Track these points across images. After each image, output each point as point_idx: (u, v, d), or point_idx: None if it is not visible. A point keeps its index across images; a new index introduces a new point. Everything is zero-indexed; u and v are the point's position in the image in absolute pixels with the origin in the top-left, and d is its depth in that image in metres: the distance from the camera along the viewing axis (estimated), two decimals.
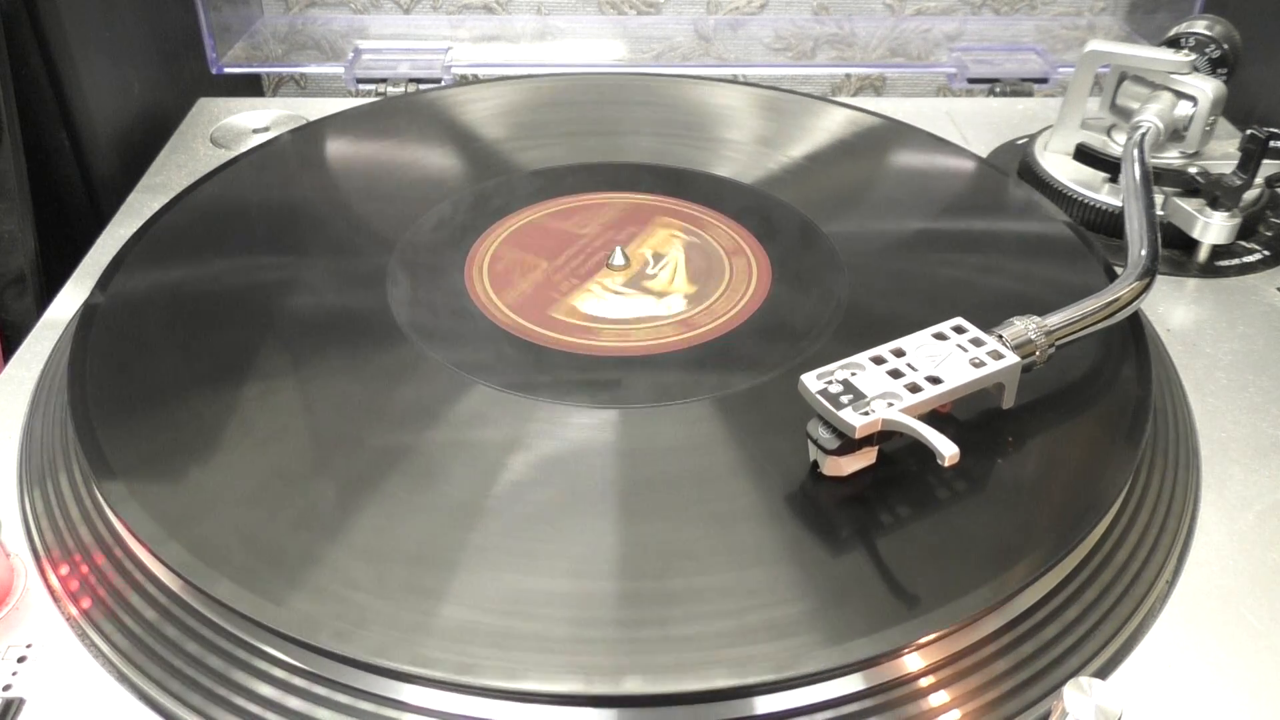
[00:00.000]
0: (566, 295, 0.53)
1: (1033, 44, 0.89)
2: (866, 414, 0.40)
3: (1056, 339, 0.45)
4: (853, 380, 0.41)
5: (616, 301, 0.53)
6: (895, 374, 0.42)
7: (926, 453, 0.39)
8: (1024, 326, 0.44)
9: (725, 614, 0.37)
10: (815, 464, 0.42)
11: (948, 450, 0.38)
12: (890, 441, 0.42)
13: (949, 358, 0.43)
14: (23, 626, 0.40)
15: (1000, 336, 0.44)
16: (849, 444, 0.40)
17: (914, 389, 0.41)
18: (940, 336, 0.44)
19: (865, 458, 0.41)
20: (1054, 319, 0.45)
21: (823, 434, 0.40)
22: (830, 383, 0.41)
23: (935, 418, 0.42)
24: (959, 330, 0.44)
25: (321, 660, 0.36)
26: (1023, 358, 0.43)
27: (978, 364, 0.43)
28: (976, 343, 0.44)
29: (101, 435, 0.43)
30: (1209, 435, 0.49)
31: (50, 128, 0.69)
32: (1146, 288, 0.49)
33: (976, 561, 0.39)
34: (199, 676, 0.37)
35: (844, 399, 0.40)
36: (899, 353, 0.43)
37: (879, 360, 0.42)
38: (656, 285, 0.54)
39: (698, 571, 0.38)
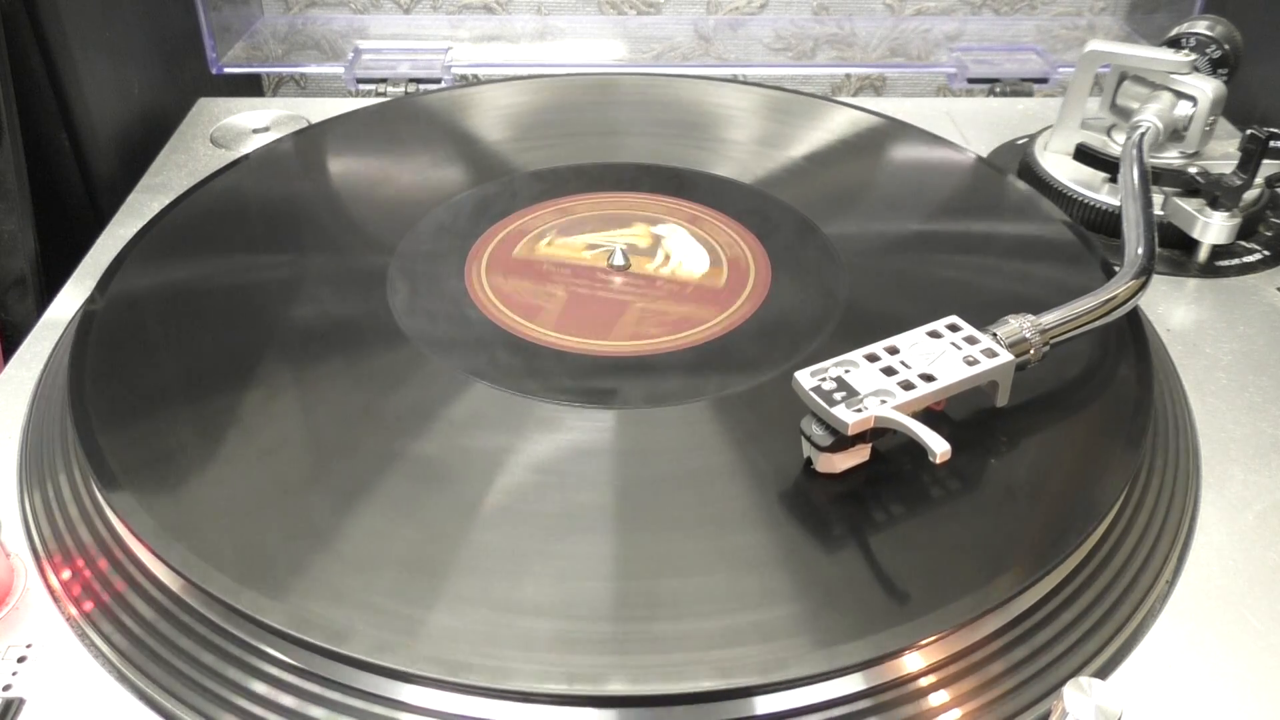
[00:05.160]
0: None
1: (1033, 44, 0.89)
2: (859, 411, 0.40)
3: (1051, 337, 0.45)
4: (846, 377, 0.41)
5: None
6: (889, 371, 0.42)
7: (921, 451, 0.39)
8: (1018, 325, 0.44)
9: (717, 615, 0.37)
10: (809, 461, 0.42)
11: (939, 447, 0.38)
12: (884, 439, 0.42)
13: (943, 355, 0.43)
14: (23, 626, 0.40)
15: (995, 335, 0.44)
16: (842, 441, 0.40)
17: (907, 386, 0.41)
18: (934, 334, 0.44)
19: (858, 455, 0.41)
20: (1049, 317, 0.45)
21: (816, 431, 0.40)
22: (824, 380, 0.41)
23: (929, 415, 0.42)
24: (953, 328, 0.44)
25: (317, 659, 0.36)
26: (1017, 356, 0.43)
27: (971, 362, 0.43)
28: (971, 341, 0.44)
29: (101, 435, 0.43)
30: (1209, 435, 0.49)
31: (50, 128, 0.69)
32: (1143, 286, 0.49)
33: (974, 562, 0.39)
34: (198, 676, 0.37)
35: (837, 396, 0.40)
36: (893, 350, 0.43)
37: (873, 358, 0.42)
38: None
39: (690, 573, 0.38)
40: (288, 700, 0.36)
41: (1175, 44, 0.66)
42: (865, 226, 0.59)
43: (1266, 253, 0.61)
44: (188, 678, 0.37)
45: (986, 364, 0.43)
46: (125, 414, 0.45)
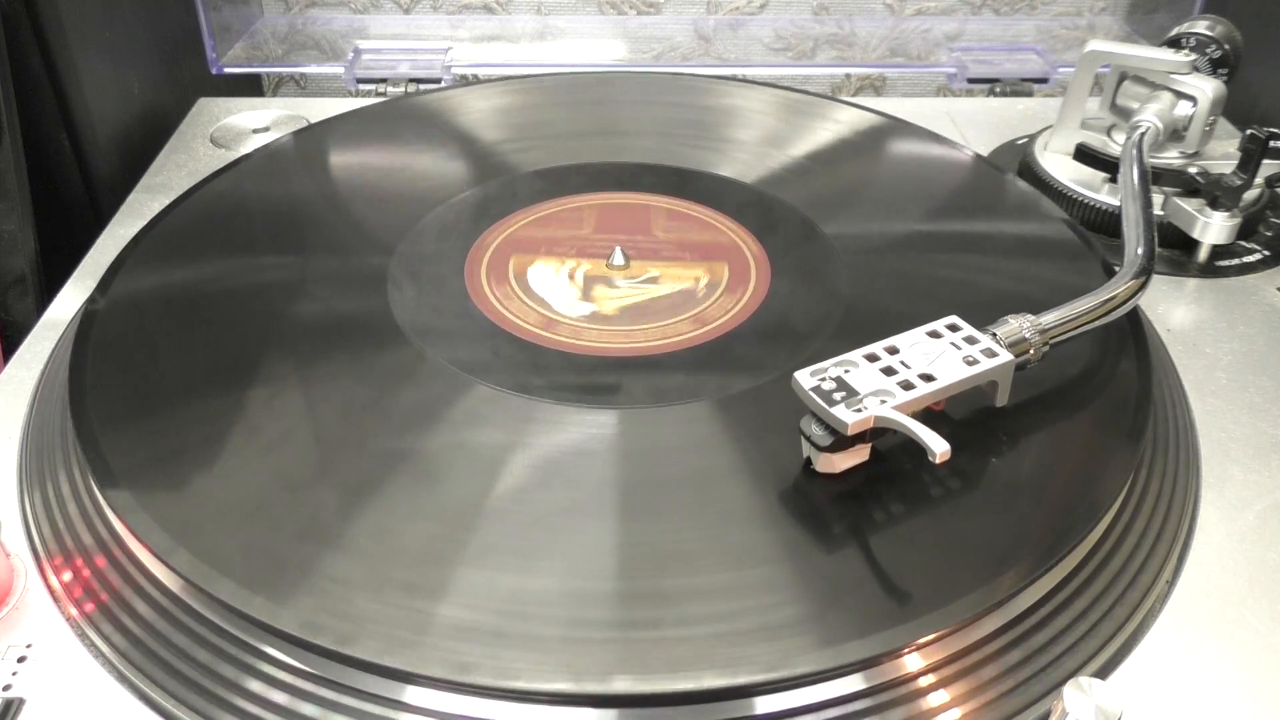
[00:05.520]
0: (564, 294, 0.53)
1: (1033, 44, 0.89)
2: (859, 411, 0.40)
3: (1051, 337, 0.45)
4: (846, 377, 0.41)
5: (612, 302, 0.53)
6: (888, 371, 0.42)
7: (921, 451, 0.39)
8: (1018, 325, 0.44)
9: (720, 614, 0.37)
10: (808, 461, 0.42)
11: (939, 447, 0.38)
12: (884, 439, 0.42)
13: (942, 355, 0.43)
14: (23, 626, 0.40)
15: (994, 335, 0.44)
16: (842, 441, 0.40)
17: (907, 386, 0.41)
18: (934, 334, 0.44)
19: (858, 455, 0.41)
20: (1048, 317, 0.45)
21: (816, 431, 0.40)
22: (824, 380, 0.41)
23: (929, 415, 0.42)
24: (953, 328, 0.44)
25: (321, 661, 0.36)
26: (1016, 356, 0.43)
27: (971, 362, 0.43)
28: (970, 340, 0.44)
29: (101, 436, 0.43)
30: (1209, 435, 0.49)
31: (50, 128, 0.69)
32: (1142, 286, 0.49)
33: (974, 562, 0.39)
34: (199, 677, 0.37)
35: (837, 396, 0.40)
36: (892, 350, 0.43)
37: (872, 357, 0.42)
38: (655, 285, 0.54)
39: (693, 572, 0.38)
40: (287, 700, 0.36)
41: (1175, 44, 0.66)
42: (865, 226, 0.59)
43: (1266, 253, 0.61)
44: (188, 678, 0.37)
45: (986, 364, 0.43)
46: (126, 414, 0.45)
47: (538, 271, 0.55)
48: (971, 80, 0.85)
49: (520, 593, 0.38)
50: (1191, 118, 0.63)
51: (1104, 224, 0.63)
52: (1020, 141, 0.73)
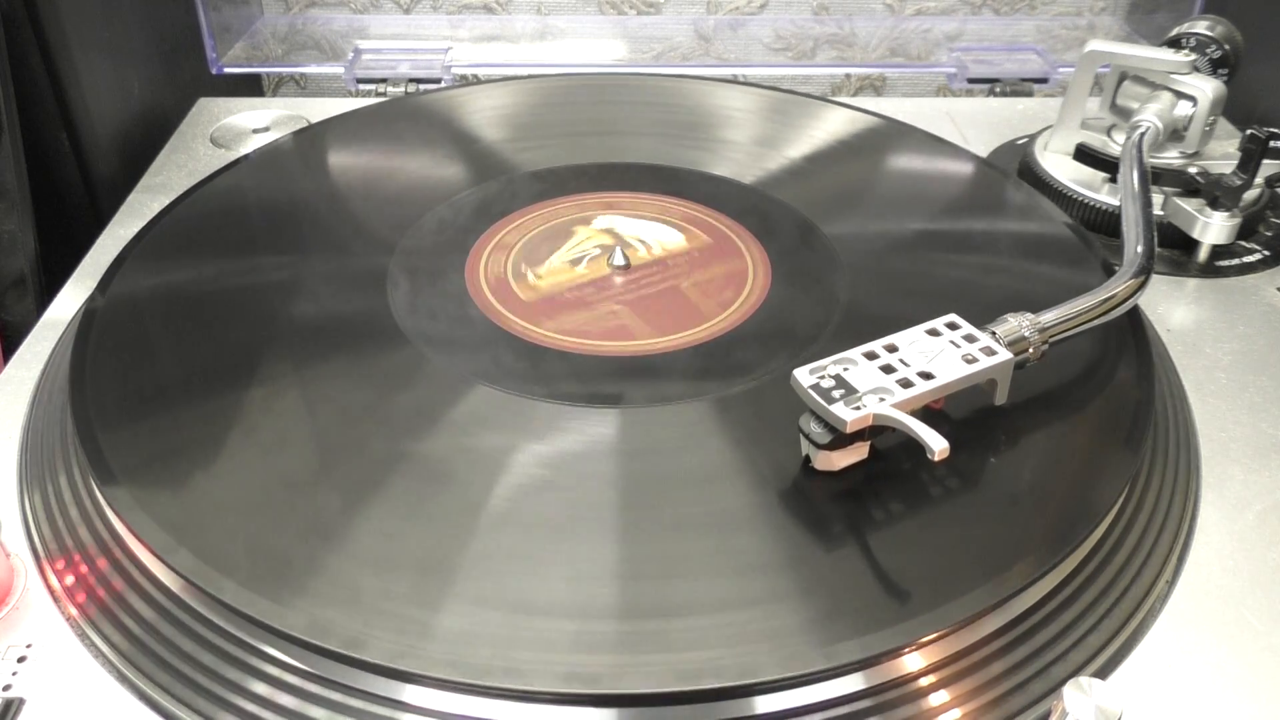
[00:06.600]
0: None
1: (1033, 44, 0.89)
2: (858, 409, 0.40)
3: (1050, 336, 0.45)
4: (845, 375, 0.41)
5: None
6: (887, 369, 0.42)
7: (920, 449, 0.39)
8: (1017, 323, 0.44)
9: (720, 614, 0.37)
10: (807, 459, 0.42)
11: (938, 445, 0.38)
12: (883, 437, 0.42)
13: (941, 353, 0.43)
14: (23, 626, 0.40)
15: (993, 333, 0.44)
16: (840, 439, 0.40)
17: (906, 384, 0.41)
18: (933, 332, 0.44)
19: (857, 453, 0.41)
20: (1048, 316, 0.45)
21: (814, 428, 0.40)
22: (822, 378, 0.41)
23: (928, 414, 0.42)
24: (952, 326, 0.44)
25: (325, 662, 0.36)
26: (1015, 354, 0.43)
27: (970, 360, 0.43)
28: (969, 339, 0.44)
29: (101, 436, 0.43)
30: (1209, 435, 0.49)
31: (50, 128, 0.69)
32: (1142, 285, 0.49)
33: (974, 561, 0.39)
34: (199, 677, 0.37)
35: (835, 394, 0.40)
36: (891, 348, 0.43)
37: (871, 355, 0.42)
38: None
39: (694, 572, 0.38)
40: (290, 701, 0.36)
41: (1175, 44, 0.66)
42: (865, 226, 0.59)
43: (1266, 253, 0.61)
44: (188, 678, 0.37)
45: (985, 362, 0.43)
46: (126, 414, 0.45)
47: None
48: (971, 80, 0.85)
49: (524, 593, 0.38)
50: (1191, 118, 0.63)
51: (1104, 224, 0.63)
52: (1020, 141, 0.73)
